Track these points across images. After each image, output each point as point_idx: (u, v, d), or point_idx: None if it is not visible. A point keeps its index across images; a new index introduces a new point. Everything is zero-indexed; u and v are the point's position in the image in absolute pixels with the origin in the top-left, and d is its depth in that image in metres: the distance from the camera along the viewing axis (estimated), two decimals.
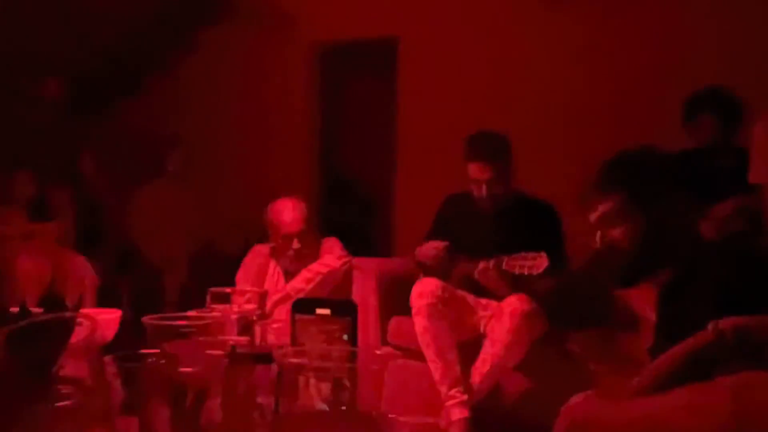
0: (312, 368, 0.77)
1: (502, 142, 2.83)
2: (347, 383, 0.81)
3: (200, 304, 4.09)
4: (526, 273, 2.49)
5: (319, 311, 1.13)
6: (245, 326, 1.21)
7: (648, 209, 1.54)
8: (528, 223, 2.82)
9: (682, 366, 1.21)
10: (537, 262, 2.48)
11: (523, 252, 2.54)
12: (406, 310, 2.78)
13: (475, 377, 2.61)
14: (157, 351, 0.95)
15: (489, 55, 4.20)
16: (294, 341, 1.05)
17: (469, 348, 2.80)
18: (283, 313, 2.88)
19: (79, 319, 0.92)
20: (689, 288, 1.46)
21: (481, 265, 2.63)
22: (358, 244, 3.83)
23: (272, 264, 3.05)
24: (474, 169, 2.79)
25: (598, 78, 3.90)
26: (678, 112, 3.20)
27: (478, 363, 2.62)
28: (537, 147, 3.99)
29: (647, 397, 1.08)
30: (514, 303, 2.60)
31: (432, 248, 2.94)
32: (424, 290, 2.68)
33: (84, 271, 3.47)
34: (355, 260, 3.09)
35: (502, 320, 2.59)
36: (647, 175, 1.54)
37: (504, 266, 2.56)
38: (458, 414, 2.59)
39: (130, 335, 3.92)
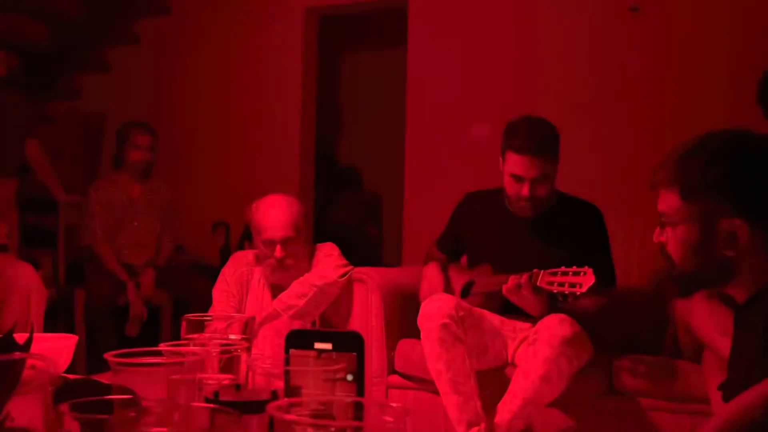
0: (310, 424, 0.76)
1: (553, 132, 2.75)
2: None
3: (168, 321, 4.06)
4: (567, 292, 2.43)
5: (319, 345, 1.12)
6: (228, 361, 1.19)
7: (709, 213, 1.50)
8: (571, 229, 2.79)
9: (758, 417, 1.19)
10: (581, 279, 2.40)
11: (563, 266, 2.48)
12: (417, 332, 2.77)
13: (503, 415, 2.59)
14: (125, 397, 0.94)
15: (519, 21, 4.18)
16: (288, 383, 1.04)
17: (490, 378, 2.79)
18: (270, 339, 2.87)
19: (31, 363, 0.91)
20: None
21: (511, 281, 2.60)
22: (359, 251, 3.83)
23: (257, 275, 3.05)
24: (517, 163, 2.71)
25: (656, 50, 3.89)
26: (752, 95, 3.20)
27: (507, 398, 2.59)
28: (576, 139, 3.99)
29: None
30: (555, 327, 2.56)
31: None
32: (435, 309, 2.65)
33: (31, 283, 3.46)
34: (356, 270, 3.08)
35: (538, 347, 2.56)
36: (707, 171, 1.49)
37: (539, 283, 2.52)
38: None
39: (83, 358, 3.89)
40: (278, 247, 2.90)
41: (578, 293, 2.40)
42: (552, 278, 2.48)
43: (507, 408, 2.58)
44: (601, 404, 2.74)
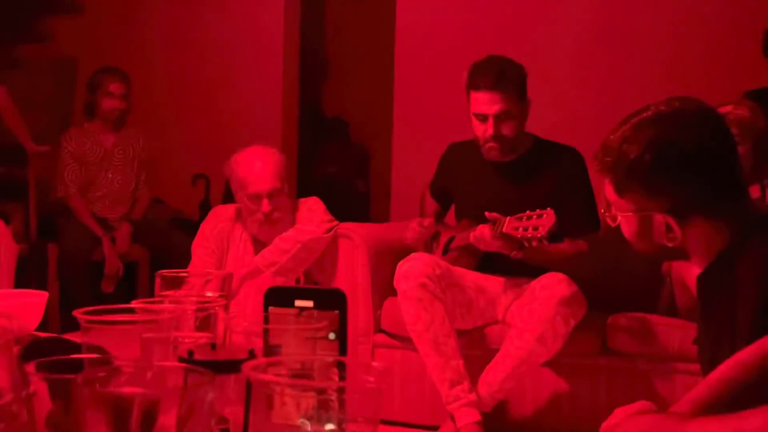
0: (288, 384, 0.76)
1: (516, 69, 2.78)
2: (333, 397, 0.81)
3: (146, 277, 4.05)
4: (528, 235, 2.43)
5: (299, 303, 1.12)
6: (205, 319, 1.19)
7: (642, 208, 1.53)
8: (548, 174, 2.80)
9: (752, 377, 1.20)
10: (541, 222, 2.41)
11: (528, 210, 2.49)
12: None
13: (495, 375, 2.62)
14: (93, 356, 0.94)
15: None
16: (267, 342, 1.04)
17: (473, 336, 2.81)
18: (252, 297, 2.88)
19: None
20: (731, 276, 1.45)
21: (479, 230, 2.61)
22: (346, 206, 3.81)
23: (238, 230, 3.04)
24: (477, 100, 2.74)
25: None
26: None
27: (499, 358, 2.62)
28: (573, 87, 3.96)
29: (712, 419, 1.07)
30: (552, 286, 2.58)
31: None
32: (411, 269, 2.67)
33: (0, 237, 3.44)
34: (342, 226, 3.08)
35: (534, 307, 2.58)
36: (634, 169, 1.50)
37: (504, 229, 2.52)
38: (467, 418, 2.60)
39: (56, 316, 3.87)
40: (265, 201, 2.90)
41: (539, 236, 2.41)
42: (517, 223, 2.49)
43: (499, 368, 2.61)
44: (594, 363, 2.78)
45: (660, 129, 1.50)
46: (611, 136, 1.55)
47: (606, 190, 1.59)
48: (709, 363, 1.38)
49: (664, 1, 3.83)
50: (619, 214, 1.57)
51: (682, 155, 1.48)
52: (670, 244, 1.52)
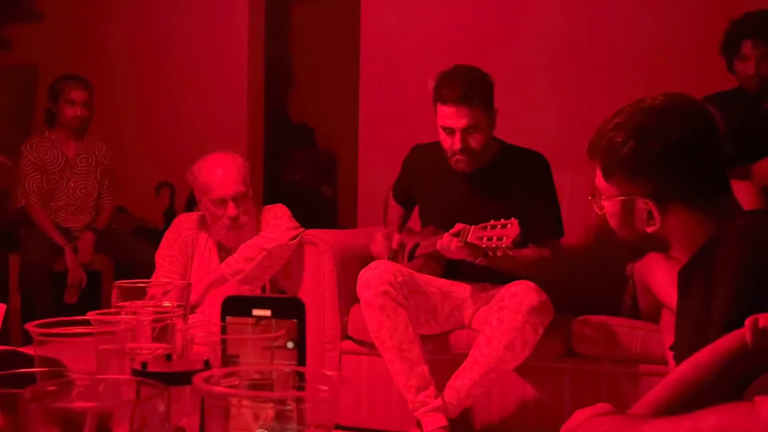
0: (246, 396, 0.75)
1: (484, 80, 2.76)
2: (292, 407, 0.81)
3: (110, 287, 4.03)
4: (493, 245, 2.45)
5: (257, 312, 1.11)
6: (162, 330, 1.18)
7: (626, 192, 1.57)
8: (513, 180, 2.81)
9: (710, 376, 1.22)
10: (506, 232, 2.43)
11: (492, 220, 2.50)
12: None
13: (464, 381, 2.62)
14: (45, 369, 0.93)
15: None
16: (225, 352, 1.04)
17: (439, 342, 2.82)
18: (217, 306, 2.86)
19: None
20: (709, 269, 1.47)
21: (445, 239, 2.61)
22: (313, 213, 3.81)
23: (203, 238, 3.02)
24: (445, 114, 2.73)
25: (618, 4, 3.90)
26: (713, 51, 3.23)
27: (468, 364, 2.62)
28: (539, 94, 3.99)
29: (667, 419, 1.08)
30: (522, 294, 2.58)
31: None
32: (373, 277, 2.67)
33: None
34: (308, 233, 3.07)
35: (503, 315, 2.58)
36: (620, 153, 1.56)
37: (469, 238, 2.53)
38: (434, 423, 2.60)
39: (18, 328, 3.83)
40: (231, 205, 2.89)
41: (503, 246, 2.43)
42: (482, 233, 2.50)
43: (467, 375, 2.61)
44: (559, 366, 2.79)
45: (648, 118, 1.56)
46: (606, 124, 1.61)
47: (596, 177, 1.64)
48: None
49: (629, 11, 3.87)
50: (605, 201, 1.61)
51: (665, 143, 1.53)
52: (649, 230, 1.56)
